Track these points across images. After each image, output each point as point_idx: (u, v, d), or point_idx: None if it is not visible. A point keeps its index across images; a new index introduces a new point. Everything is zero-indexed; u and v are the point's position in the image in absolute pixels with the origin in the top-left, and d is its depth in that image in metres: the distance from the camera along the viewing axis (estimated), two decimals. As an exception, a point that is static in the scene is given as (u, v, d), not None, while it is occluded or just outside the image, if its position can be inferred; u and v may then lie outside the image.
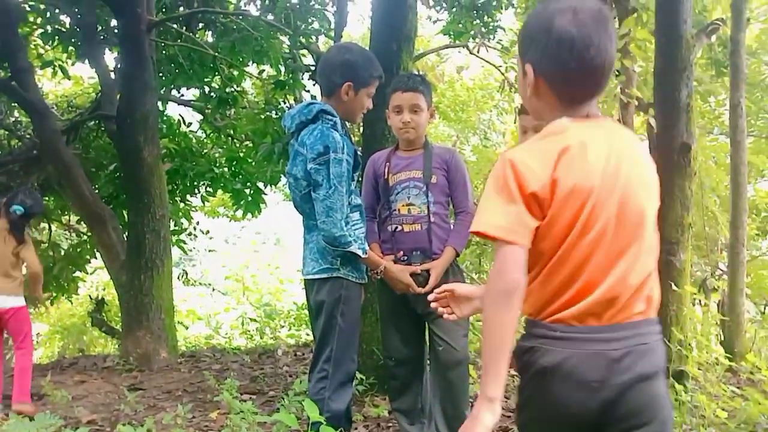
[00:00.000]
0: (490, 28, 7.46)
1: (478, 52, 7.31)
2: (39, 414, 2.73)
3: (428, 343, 2.62)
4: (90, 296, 8.61)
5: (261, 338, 6.96)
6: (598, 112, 1.31)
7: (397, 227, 2.58)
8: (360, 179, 2.68)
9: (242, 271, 10.35)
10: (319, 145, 2.24)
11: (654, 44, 3.32)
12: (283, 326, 7.17)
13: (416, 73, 4.18)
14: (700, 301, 4.23)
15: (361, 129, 3.91)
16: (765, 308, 6.41)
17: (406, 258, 2.54)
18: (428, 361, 2.67)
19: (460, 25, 7.50)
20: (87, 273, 7.57)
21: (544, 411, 1.24)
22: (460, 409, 2.52)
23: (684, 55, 3.08)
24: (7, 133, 6.89)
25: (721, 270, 5.73)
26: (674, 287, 3.00)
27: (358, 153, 2.46)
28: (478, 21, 7.43)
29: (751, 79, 7.53)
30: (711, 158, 6.14)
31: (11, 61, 5.62)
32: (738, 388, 3.28)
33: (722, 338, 4.33)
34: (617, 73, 5.93)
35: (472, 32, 7.48)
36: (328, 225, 2.23)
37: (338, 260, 2.30)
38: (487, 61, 7.89)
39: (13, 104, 6.46)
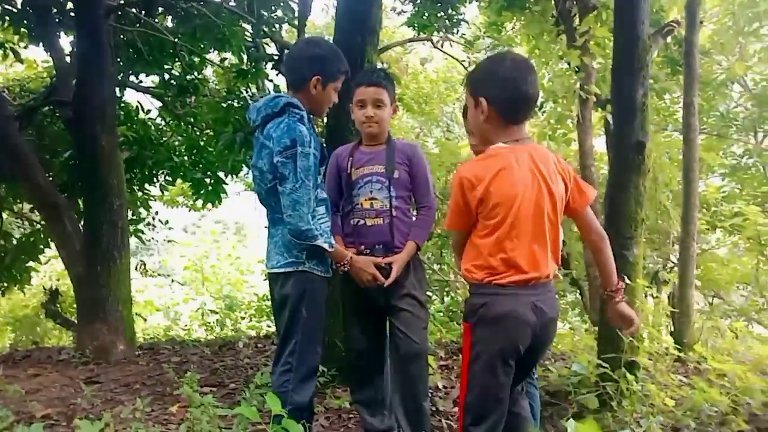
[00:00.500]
0: (454, 21, 7.51)
1: (441, 46, 7.36)
2: (-10, 409, 2.65)
3: (389, 336, 2.65)
4: (44, 287, 8.38)
5: (221, 330, 6.90)
6: (528, 135, 2.01)
7: (359, 221, 2.60)
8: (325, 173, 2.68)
9: (202, 261, 10.21)
10: (286, 138, 2.25)
11: (612, 43, 3.39)
12: (243, 318, 7.11)
13: (380, 67, 4.19)
14: (652, 294, 4.37)
15: (325, 121, 3.90)
16: (713, 300, 6.67)
17: (368, 252, 2.56)
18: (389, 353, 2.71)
19: (425, 18, 7.54)
20: (40, 263, 7.36)
21: (496, 344, 1.90)
22: (419, 400, 2.55)
23: (641, 55, 3.15)
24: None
25: (673, 262, 5.93)
26: (627, 280, 3.10)
27: (324, 147, 2.47)
28: (442, 14, 7.47)
29: (704, 78, 7.79)
30: (665, 154, 6.32)
31: (-41, 42, 5.41)
32: (685, 377, 3.43)
33: (672, 329, 4.49)
34: (577, 69, 6.06)
35: (436, 25, 7.52)
36: (295, 219, 2.25)
37: (304, 254, 2.32)
38: (450, 56, 7.94)
39: (-39, 87, 6.21)
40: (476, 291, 1.96)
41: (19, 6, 6.28)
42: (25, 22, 6.26)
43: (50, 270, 9.01)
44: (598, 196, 5.85)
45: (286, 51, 5.50)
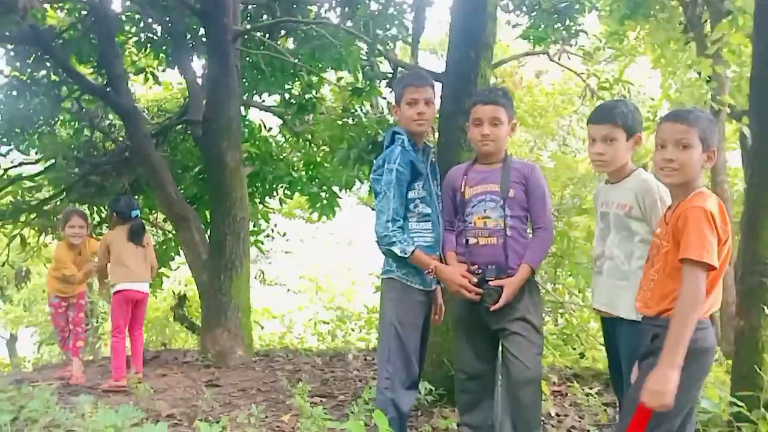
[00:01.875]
0: (572, 32, 7.26)
1: (559, 59, 7.13)
2: (123, 406, 2.88)
3: (500, 359, 2.58)
4: (173, 292, 9.04)
5: (332, 340, 7.07)
6: None
7: (472, 240, 2.56)
8: (438, 190, 2.75)
9: (316, 270, 10.56)
10: (380, 159, 2.62)
11: (751, 49, 3.11)
12: (353, 330, 7.25)
13: (498, 85, 4.14)
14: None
15: (436, 137, 3.90)
16: None
17: (480, 271, 2.51)
18: (500, 377, 2.63)
19: (541, 29, 7.35)
20: (171, 269, 7.95)
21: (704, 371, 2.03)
22: (530, 428, 2.46)
23: (785, 63, 2.87)
24: (102, 135, 7.33)
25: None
26: (767, 311, 2.81)
27: (419, 163, 2.61)
28: (559, 25, 7.24)
29: None
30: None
31: (108, 68, 6.00)
32: (839, 423, 3.03)
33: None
34: (708, 79, 5.64)
35: (552, 37, 7.30)
36: (375, 226, 2.53)
37: (395, 263, 2.55)
38: (568, 68, 7.67)
39: (108, 109, 6.86)
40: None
41: (159, 34, 6.90)
42: (164, 48, 6.86)
43: (180, 276, 9.69)
44: (732, 215, 5.39)
45: (399, 69, 5.58)
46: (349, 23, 6.48)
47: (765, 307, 2.82)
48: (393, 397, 2.48)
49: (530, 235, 2.59)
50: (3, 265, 7.80)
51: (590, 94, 7.06)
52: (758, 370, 2.73)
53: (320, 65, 6.58)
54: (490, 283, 2.47)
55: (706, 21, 6.02)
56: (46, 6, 6.55)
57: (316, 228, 12.26)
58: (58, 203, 7.20)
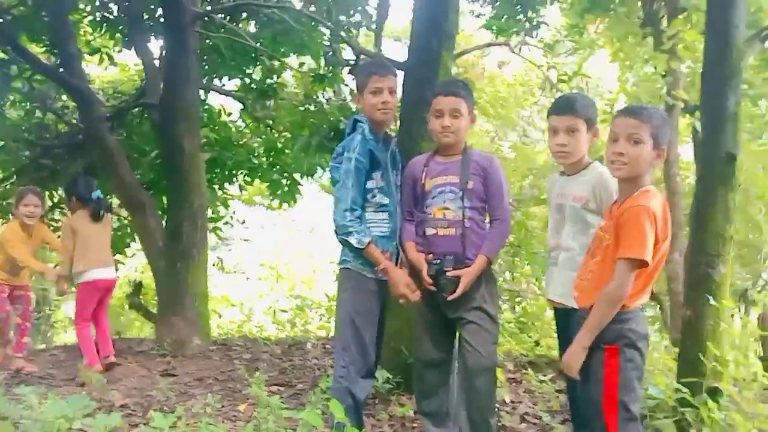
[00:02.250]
0: (534, 24, 7.33)
1: (520, 50, 7.19)
2: (74, 396, 2.81)
3: (457, 348, 2.62)
4: (129, 279, 8.84)
5: (292, 329, 7.04)
6: None
7: (431, 230, 2.59)
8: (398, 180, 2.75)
9: (276, 258, 10.48)
10: (340, 147, 2.63)
11: (703, 46, 3.20)
12: (314, 318, 7.23)
13: (458, 77, 4.16)
14: (739, 315, 4.10)
15: (398, 128, 3.90)
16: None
17: (438, 261, 2.53)
18: (456, 365, 2.67)
19: (503, 21, 7.40)
20: (126, 256, 7.77)
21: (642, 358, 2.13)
22: (485, 415, 2.51)
23: (734, 62, 2.95)
24: (54, 117, 7.07)
25: (764, 280, 5.55)
26: (712, 301, 2.92)
27: (378, 153, 2.61)
28: (521, 16, 7.30)
29: (805, 82, 7.23)
30: (758, 165, 5.92)
31: (61, 47, 5.79)
32: (776, 407, 3.18)
33: (762, 354, 4.20)
34: (664, 74, 5.77)
35: (515, 28, 7.36)
36: (334, 214, 2.55)
37: (351, 253, 2.56)
38: (529, 60, 7.75)
39: (60, 90, 6.63)
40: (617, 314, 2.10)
41: (115, 13, 6.68)
42: (120, 27, 6.65)
43: (135, 263, 9.48)
44: (683, 208, 5.56)
45: (362, 56, 5.54)
46: (312, 8, 6.39)
47: (710, 297, 2.93)
48: (349, 386, 2.51)
49: (488, 226, 2.63)
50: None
51: (550, 87, 7.15)
52: (702, 357, 2.83)
53: (282, 50, 6.48)
54: (447, 273, 2.50)
55: (662, 17, 6.14)
56: (-6, -20, 6.27)
57: (277, 215, 12.14)
58: (8, 187, 6.95)
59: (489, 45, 7.97)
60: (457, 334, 2.61)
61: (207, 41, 6.48)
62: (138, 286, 7.68)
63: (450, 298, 2.48)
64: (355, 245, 2.48)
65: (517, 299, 6.17)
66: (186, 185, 5.19)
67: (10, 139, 6.54)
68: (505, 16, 7.33)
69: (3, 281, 4.55)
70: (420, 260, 2.57)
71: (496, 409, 3.00)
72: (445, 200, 2.57)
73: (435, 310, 2.61)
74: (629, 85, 6.15)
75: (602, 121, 6.23)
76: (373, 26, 6.89)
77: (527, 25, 7.36)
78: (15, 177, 6.79)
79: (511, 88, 11.06)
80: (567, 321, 2.46)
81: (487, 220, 2.65)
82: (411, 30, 3.80)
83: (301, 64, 6.98)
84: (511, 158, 7.98)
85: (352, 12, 6.36)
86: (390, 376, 3.33)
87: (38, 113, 7.12)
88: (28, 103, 7.06)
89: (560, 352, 2.62)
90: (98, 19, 6.76)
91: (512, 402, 3.43)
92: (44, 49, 6.67)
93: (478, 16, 8.03)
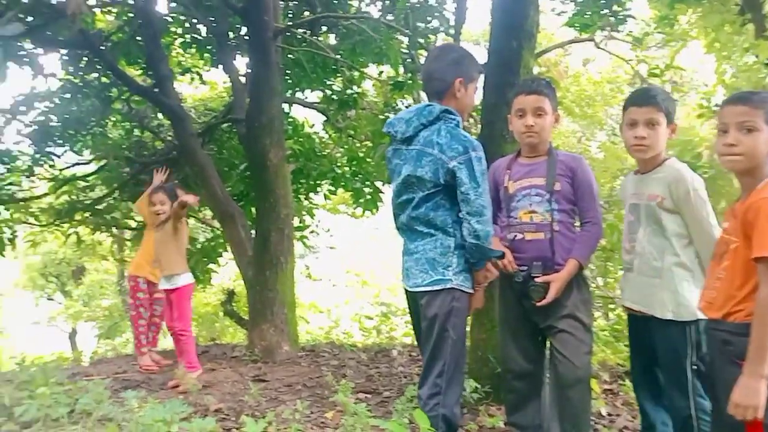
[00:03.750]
0: (620, 18, 7.02)
1: (605, 46, 6.90)
2: (172, 400, 2.94)
3: (549, 358, 2.51)
4: (222, 287, 9.22)
5: (378, 335, 7.07)
6: None
7: (517, 235, 2.49)
8: None
9: (361, 266, 10.59)
10: (456, 144, 2.24)
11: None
12: (398, 326, 7.24)
13: (541, 75, 4.03)
14: None
15: (479, 129, 3.83)
16: None
17: (525, 268, 2.44)
18: (548, 376, 2.56)
19: (587, 17, 7.13)
20: (219, 265, 8.10)
21: None
22: (580, 429, 2.38)
23: None
24: (151, 135, 7.51)
25: None
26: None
27: None
28: (606, 11, 7.02)
29: None
30: None
31: (155, 69, 6.12)
32: None
33: None
34: (767, 62, 5.36)
35: (599, 23, 7.08)
36: (483, 224, 2.21)
37: (450, 270, 2.25)
38: (615, 55, 7.42)
39: (156, 109, 7.03)
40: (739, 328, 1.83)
41: (203, 34, 7.02)
42: (208, 47, 6.98)
43: (229, 272, 9.87)
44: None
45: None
46: (390, 17, 6.44)
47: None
48: (445, 413, 2.28)
49: (578, 229, 2.51)
50: (60, 263, 8.10)
51: (640, 81, 6.81)
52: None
53: (361, 60, 6.56)
54: (536, 279, 2.41)
55: (764, 1, 5.71)
56: (96, 10, 6.74)
57: (361, 223, 12.30)
58: (111, 202, 7.44)
59: (572, 42, 7.69)
60: (548, 344, 2.50)
61: (289, 56, 6.67)
62: (231, 294, 7.98)
63: (539, 304, 2.38)
64: (498, 253, 2.36)
65: (611, 306, 5.89)
66: (272, 196, 5.33)
67: (112, 157, 6.98)
68: (588, 13, 7.07)
69: (149, 279, 4.89)
70: (505, 251, 2.46)
71: (592, 423, 2.85)
72: (531, 203, 2.47)
73: (523, 318, 2.51)
74: (728, 77, 5.75)
75: (699, 116, 5.88)
76: (451, 31, 6.84)
77: (612, 19, 7.06)
78: (117, 192, 7.24)
79: (598, 85, 10.66)
80: (641, 328, 2.34)
81: (577, 223, 2.53)
82: (490, 30, 3.72)
83: (380, 73, 7.04)
84: (600, 158, 7.67)
85: (429, 18, 6.35)
86: (478, 386, 3.25)
87: (137, 132, 7.59)
88: (127, 123, 7.56)
89: (631, 361, 2.52)
90: (188, 40, 7.13)
91: (609, 415, 3.25)
92: (140, 71, 7.11)
93: (559, 14, 7.79)
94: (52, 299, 15.61)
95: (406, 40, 6.18)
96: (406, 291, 2.43)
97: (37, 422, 2.86)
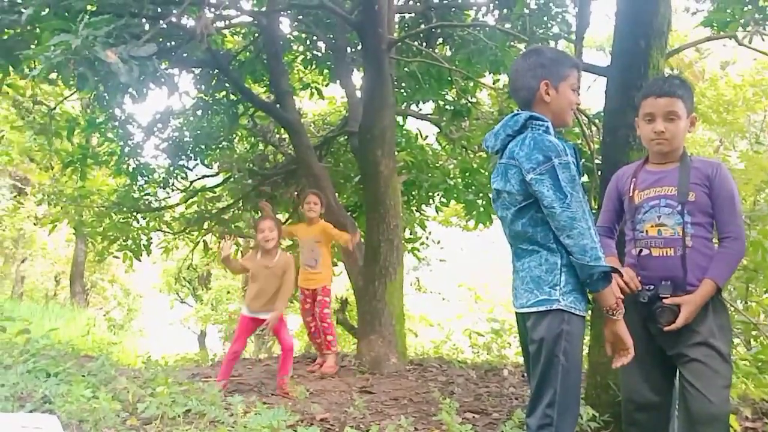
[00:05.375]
0: (766, 13, 6.32)
1: (750, 42, 6.25)
2: (279, 408, 2.96)
3: (678, 390, 2.23)
4: (336, 296, 9.38)
5: (488, 353, 6.84)
6: None
7: (643, 250, 2.25)
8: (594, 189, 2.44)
9: (474, 279, 10.37)
10: (537, 153, 2.00)
11: None
12: (510, 344, 6.95)
13: (674, 75, 3.69)
14: None
15: (601, 136, 3.57)
16: None
17: (652, 287, 2.19)
18: (677, 411, 2.28)
19: (727, 12, 6.50)
20: (334, 274, 8.24)
21: None
22: (714, 473, 2.09)
23: None
24: (273, 149, 7.84)
25: None
26: None
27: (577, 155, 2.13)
28: (750, 6, 6.35)
29: None
30: None
31: (276, 85, 6.38)
32: None
33: None
34: None
35: (741, 20, 6.42)
36: (576, 237, 1.93)
37: (557, 290, 2.01)
38: (763, 52, 6.69)
39: (278, 123, 7.33)
40: None
41: (322, 51, 7.24)
42: (327, 63, 7.18)
43: (343, 281, 10.04)
44: None
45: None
46: (507, 25, 6.25)
47: None
48: None
49: (716, 246, 2.22)
50: (188, 268, 8.66)
51: (790, 84, 6.09)
52: None
53: (477, 68, 6.43)
54: (664, 301, 2.15)
55: None
56: (225, 32, 7.17)
57: (475, 236, 12.08)
58: (236, 212, 7.85)
59: (709, 39, 7.04)
60: (678, 374, 2.22)
61: (405, 69, 6.68)
62: (344, 303, 8.09)
63: (667, 329, 2.12)
64: (607, 271, 1.97)
65: (754, 333, 5.26)
66: (382, 207, 5.32)
67: (237, 170, 7.36)
68: (728, 9, 6.44)
69: (302, 287, 5.15)
70: (626, 270, 2.22)
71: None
72: (659, 215, 2.22)
73: (649, 343, 2.25)
74: None
75: None
76: (572, 37, 6.52)
77: (757, 15, 6.38)
78: (241, 203, 7.62)
79: (739, 89, 9.72)
80: None
81: (715, 239, 2.24)
82: (614, 29, 3.46)
83: (496, 81, 6.86)
84: (740, 169, 6.94)
85: (549, 23, 6.09)
86: (596, 414, 2.99)
87: (260, 146, 7.96)
88: (252, 137, 7.95)
89: None
90: (308, 57, 7.38)
91: (752, 458, 2.86)
92: (264, 88, 7.45)
93: (694, 13, 7.18)
94: (184, 302, 16.81)
95: (522, 46, 5.97)
96: (516, 312, 2.26)
97: (156, 419, 3.00)
